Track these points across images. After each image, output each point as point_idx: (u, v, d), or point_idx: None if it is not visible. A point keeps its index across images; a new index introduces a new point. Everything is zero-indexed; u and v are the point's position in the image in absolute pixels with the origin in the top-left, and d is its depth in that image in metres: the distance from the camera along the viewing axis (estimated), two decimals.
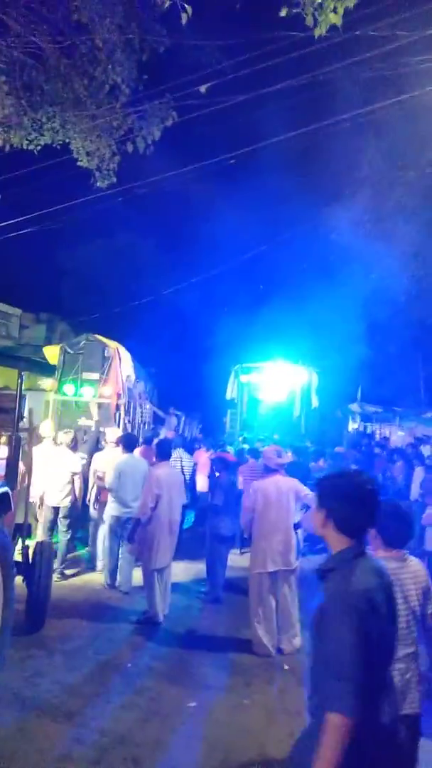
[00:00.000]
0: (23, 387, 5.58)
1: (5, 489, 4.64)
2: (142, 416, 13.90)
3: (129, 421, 11.87)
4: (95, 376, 11.13)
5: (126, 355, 12.01)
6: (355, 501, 2.12)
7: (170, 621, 5.96)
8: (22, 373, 5.81)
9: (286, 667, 5.13)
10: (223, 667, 5.03)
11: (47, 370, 18.77)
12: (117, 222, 24.26)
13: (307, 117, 8.92)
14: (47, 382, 18.90)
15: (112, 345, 11.52)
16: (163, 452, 6.44)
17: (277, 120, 9.44)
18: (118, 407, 11.14)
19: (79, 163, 9.77)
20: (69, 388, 11.04)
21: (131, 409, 12.36)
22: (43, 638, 5.17)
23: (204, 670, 4.88)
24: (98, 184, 9.90)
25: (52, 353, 12.11)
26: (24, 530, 5.85)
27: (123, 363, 11.60)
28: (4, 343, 18.66)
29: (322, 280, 20.28)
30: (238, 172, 16.15)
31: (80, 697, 4.23)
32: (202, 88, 8.49)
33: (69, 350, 11.43)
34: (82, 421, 10.78)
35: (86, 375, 11.12)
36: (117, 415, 11.10)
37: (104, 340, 11.57)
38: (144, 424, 14.04)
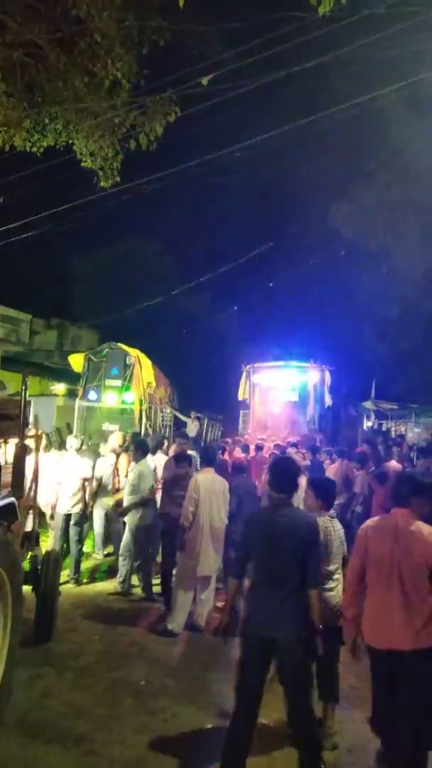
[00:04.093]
0: (33, 392, 5.39)
1: (11, 499, 4.47)
2: (163, 420, 14.26)
3: (150, 426, 12.38)
4: (117, 383, 11.79)
5: (147, 362, 12.50)
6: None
7: (185, 634, 5.70)
8: (27, 378, 5.62)
9: None
10: None
11: (59, 375, 18.73)
12: (125, 224, 24.18)
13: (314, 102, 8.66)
14: (59, 388, 18.88)
15: (134, 353, 12.13)
16: (209, 458, 6.47)
17: (280, 107, 9.20)
18: (140, 413, 11.77)
19: (82, 164, 9.62)
20: (93, 395, 11.78)
21: (153, 414, 12.91)
22: (53, 653, 4.96)
23: (221, 688, 4.61)
24: (102, 183, 9.73)
25: (77, 361, 12.69)
26: (32, 539, 5.69)
27: (144, 370, 12.17)
28: (15, 349, 18.56)
29: (333, 277, 20.00)
30: (245, 165, 15.90)
31: (91, 719, 3.99)
32: (204, 80, 8.28)
33: (93, 358, 12.17)
34: (106, 427, 11.26)
35: (109, 382, 11.76)
36: (139, 420, 11.70)
37: (126, 348, 12.18)
38: (165, 428, 14.36)
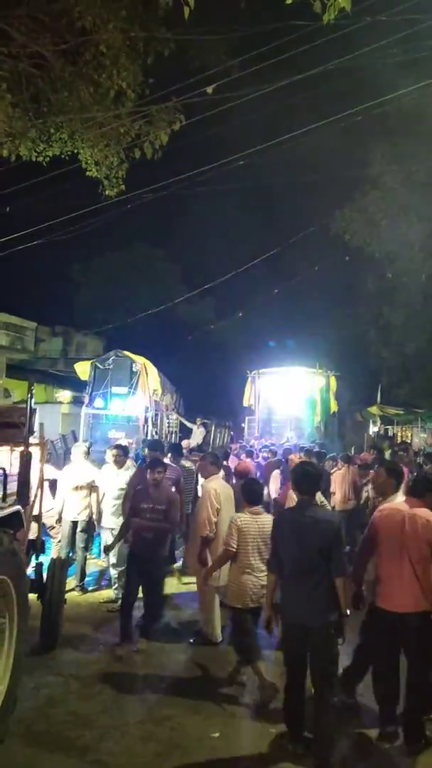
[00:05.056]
0: (38, 400, 5.42)
1: (17, 507, 4.47)
2: (168, 427, 14.31)
3: (156, 433, 12.54)
4: (124, 390, 11.91)
5: (153, 370, 12.67)
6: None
7: (189, 643, 5.65)
8: (33, 386, 5.64)
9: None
10: (249, 692, 4.72)
11: (64, 383, 18.80)
12: (130, 232, 24.27)
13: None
14: (64, 395, 18.94)
15: (140, 360, 12.22)
16: (218, 464, 6.26)
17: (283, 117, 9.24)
18: (146, 420, 11.89)
19: (87, 173, 9.68)
20: (99, 402, 11.87)
21: (159, 421, 13.05)
22: (58, 662, 4.94)
23: (227, 697, 4.59)
24: (107, 192, 9.79)
25: (83, 369, 12.80)
26: (38, 546, 5.68)
27: (150, 377, 12.29)
28: (20, 357, 18.62)
29: (336, 282, 20.00)
30: (250, 172, 15.95)
31: (96, 728, 3.97)
32: (209, 89, 8.33)
33: (99, 366, 12.24)
34: (112, 434, 11.33)
35: (115, 389, 11.85)
36: (145, 427, 11.84)
37: (132, 355, 12.27)
38: (171, 434, 14.41)
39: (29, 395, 5.24)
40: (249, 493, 4.86)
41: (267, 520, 4.70)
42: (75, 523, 7.20)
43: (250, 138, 10.22)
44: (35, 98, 9.09)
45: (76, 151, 9.45)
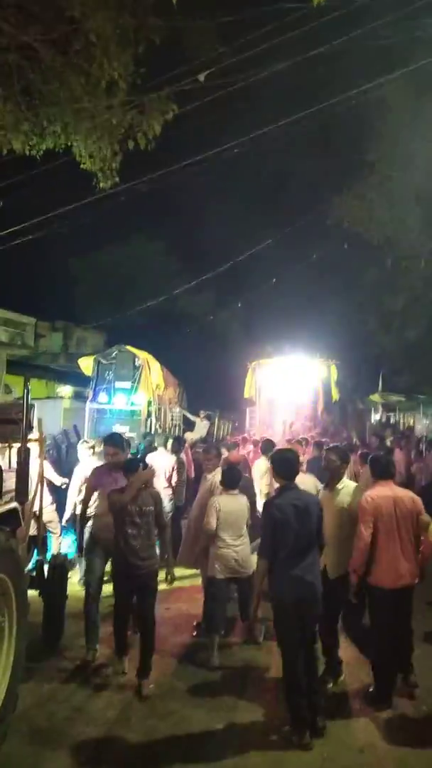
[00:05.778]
0: (39, 395, 5.37)
1: (14, 504, 4.44)
2: (172, 420, 14.41)
3: (160, 427, 12.47)
4: (127, 385, 11.88)
5: (156, 364, 12.57)
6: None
7: (192, 636, 5.65)
8: (28, 381, 5.60)
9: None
10: (253, 684, 4.70)
11: (65, 378, 18.73)
12: (128, 225, 24.13)
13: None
14: (65, 390, 18.88)
15: (143, 355, 12.18)
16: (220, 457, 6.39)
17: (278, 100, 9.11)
18: (148, 414, 11.85)
19: (82, 166, 9.58)
20: (103, 397, 11.86)
21: (162, 415, 12.97)
22: (61, 658, 4.93)
23: (230, 690, 4.58)
24: (101, 185, 9.69)
25: (86, 364, 12.80)
26: (39, 542, 5.66)
27: (153, 372, 12.25)
28: (20, 353, 18.55)
29: (336, 270, 19.86)
30: (246, 160, 15.79)
31: (99, 724, 3.97)
32: (201, 76, 8.23)
33: (102, 361, 12.24)
34: (116, 429, 11.34)
35: (119, 384, 11.88)
36: (148, 421, 11.79)
37: (135, 350, 12.25)
38: (175, 427, 14.40)
39: (25, 390, 5.20)
40: (228, 478, 5.44)
41: (244, 500, 5.43)
42: None
43: (245, 126, 10.09)
44: (26, 91, 8.97)
45: (69, 143, 9.34)
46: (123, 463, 5.06)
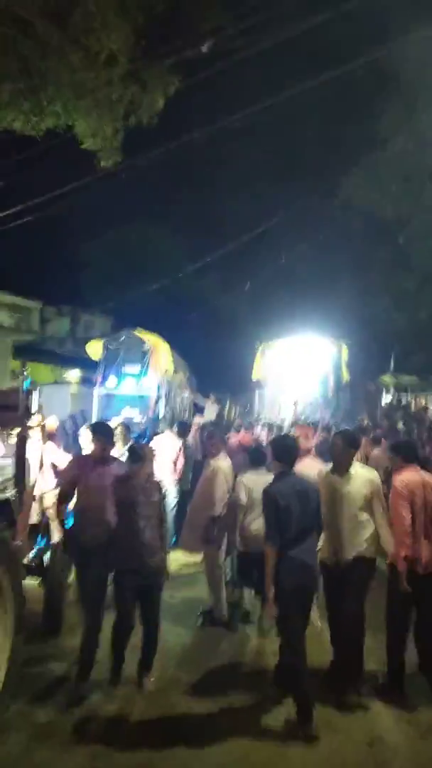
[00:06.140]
0: (46, 380, 5.20)
1: (8, 495, 4.34)
2: (182, 404, 14.32)
3: (170, 410, 12.46)
4: (136, 369, 11.80)
5: (165, 347, 12.42)
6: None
7: (196, 626, 5.55)
8: (26, 366, 5.48)
9: None
10: (258, 675, 4.58)
11: (72, 362, 18.61)
12: (133, 206, 23.80)
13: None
14: (72, 375, 18.78)
15: (151, 339, 12.09)
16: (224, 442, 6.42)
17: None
18: (157, 398, 11.76)
19: (83, 146, 9.35)
20: (112, 382, 11.76)
21: (171, 399, 12.90)
22: (61, 648, 4.82)
23: (233, 681, 4.46)
24: (102, 163, 9.46)
25: (94, 349, 12.66)
26: (41, 530, 5.57)
27: (162, 355, 12.14)
28: (27, 338, 18.44)
29: (346, 249, 19.47)
30: (252, 134, 15.38)
31: (99, 719, 3.88)
32: (204, 47, 7.94)
33: (110, 345, 12.14)
34: (126, 412, 11.12)
35: (128, 368, 11.80)
36: (156, 406, 11.71)
37: (143, 335, 12.14)
38: (184, 411, 14.32)
39: (22, 376, 5.06)
40: (254, 457, 5.60)
41: (270, 478, 5.02)
42: None
43: (254, 97, 9.74)
44: (25, 69, 8.72)
45: (70, 123, 9.09)
46: (109, 456, 4.77)
